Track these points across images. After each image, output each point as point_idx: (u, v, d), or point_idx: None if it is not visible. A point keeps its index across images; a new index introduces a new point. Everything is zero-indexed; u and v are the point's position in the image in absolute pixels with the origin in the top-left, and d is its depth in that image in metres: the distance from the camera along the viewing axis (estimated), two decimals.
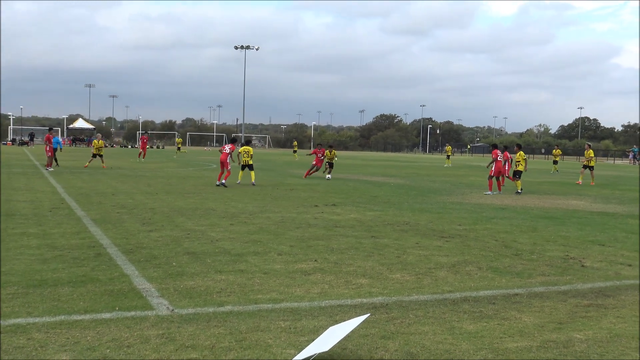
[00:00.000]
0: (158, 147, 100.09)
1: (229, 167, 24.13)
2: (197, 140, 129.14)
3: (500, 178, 24.45)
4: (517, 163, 25.00)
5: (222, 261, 9.47)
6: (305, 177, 30.36)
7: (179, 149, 70.47)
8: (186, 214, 14.97)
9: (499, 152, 24.11)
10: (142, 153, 45.83)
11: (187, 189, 22.27)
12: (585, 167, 32.75)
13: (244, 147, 25.60)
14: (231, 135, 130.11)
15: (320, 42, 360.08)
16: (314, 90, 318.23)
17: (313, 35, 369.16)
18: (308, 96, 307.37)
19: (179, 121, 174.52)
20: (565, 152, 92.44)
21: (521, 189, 24.26)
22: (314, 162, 31.19)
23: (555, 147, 53.89)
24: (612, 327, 6.70)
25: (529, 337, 6.27)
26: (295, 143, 75.59)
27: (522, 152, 25.33)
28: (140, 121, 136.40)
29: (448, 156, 60.03)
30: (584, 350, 5.89)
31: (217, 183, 23.88)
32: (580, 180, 32.12)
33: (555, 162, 47.97)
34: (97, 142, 34.48)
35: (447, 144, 68.58)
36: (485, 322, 6.75)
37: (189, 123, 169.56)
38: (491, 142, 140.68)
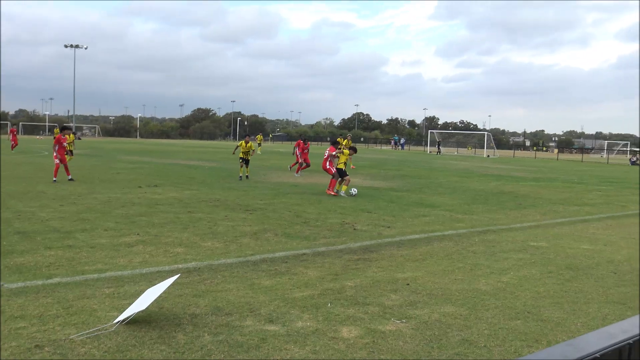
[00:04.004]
0: None
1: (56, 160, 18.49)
2: (30, 130, 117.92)
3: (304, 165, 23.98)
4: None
5: (52, 238, 8.80)
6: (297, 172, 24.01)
7: (259, 145, 55.21)
8: (17, 196, 13.66)
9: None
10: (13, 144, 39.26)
11: (19, 174, 20.28)
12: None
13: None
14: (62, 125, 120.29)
15: (147, 44, 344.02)
16: (140, 86, 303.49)
17: (141, 39, 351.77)
18: (135, 91, 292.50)
19: (11, 112, 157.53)
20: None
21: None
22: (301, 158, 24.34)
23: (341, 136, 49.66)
24: (374, 275, 7.20)
25: (312, 287, 6.56)
26: (260, 136, 59.93)
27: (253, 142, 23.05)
28: None
29: (259, 144, 54.64)
30: (353, 295, 6.29)
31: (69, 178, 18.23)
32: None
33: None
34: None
35: (259, 133, 66.56)
36: (279, 277, 6.95)
37: (21, 114, 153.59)
38: (289, 132, 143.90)
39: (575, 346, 0.76)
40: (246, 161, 21.09)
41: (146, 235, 9.35)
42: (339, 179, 16.47)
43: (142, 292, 5.95)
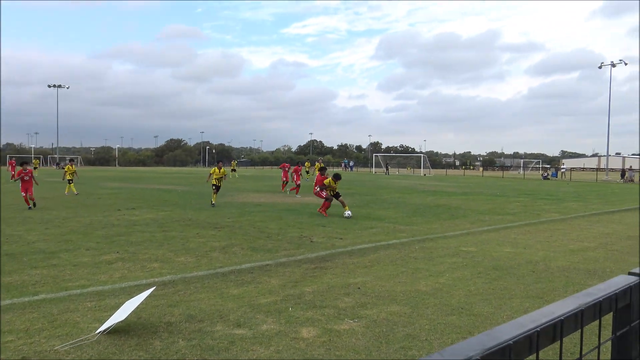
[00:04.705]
0: None
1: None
2: (17, 161, 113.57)
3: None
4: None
5: (37, 259, 8.44)
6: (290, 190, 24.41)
7: (234, 170, 52.83)
8: (6, 221, 13.10)
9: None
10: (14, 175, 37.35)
11: (6, 201, 19.47)
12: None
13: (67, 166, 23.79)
14: (47, 156, 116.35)
15: (125, 83, 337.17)
16: (118, 120, 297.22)
17: (119, 78, 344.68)
18: (114, 124, 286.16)
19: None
20: (302, 164, 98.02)
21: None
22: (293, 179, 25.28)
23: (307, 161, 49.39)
24: (329, 281, 7.17)
25: (275, 293, 6.49)
26: (234, 162, 58.66)
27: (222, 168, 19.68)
28: None
29: (233, 169, 53.33)
30: (311, 299, 6.25)
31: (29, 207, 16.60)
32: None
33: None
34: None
35: (233, 160, 66.84)
36: (245, 286, 6.85)
37: (9, 147, 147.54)
38: (252, 158, 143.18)
39: (492, 336, 0.78)
40: (218, 188, 18.67)
41: (125, 253, 9.09)
42: (336, 201, 15.73)
43: (122, 304, 5.77)
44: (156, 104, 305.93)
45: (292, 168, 26.54)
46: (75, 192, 23.07)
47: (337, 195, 15.89)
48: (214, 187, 18.70)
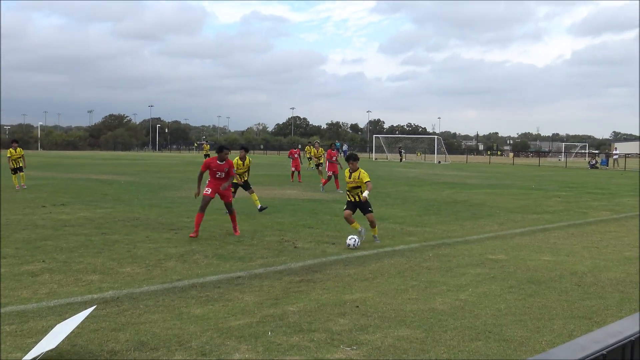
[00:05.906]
0: None
1: None
2: None
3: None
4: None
5: None
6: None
7: (207, 155, 52.77)
8: None
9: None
10: None
11: None
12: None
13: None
14: None
15: (49, 42, 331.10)
16: (40, 90, 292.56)
17: (42, 36, 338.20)
18: (34, 96, 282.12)
19: None
20: (281, 148, 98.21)
21: None
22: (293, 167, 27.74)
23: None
24: (319, 298, 7.22)
25: (250, 314, 6.51)
26: (207, 146, 59.62)
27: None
28: None
29: (207, 155, 54.16)
30: (296, 321, 6.28)
31: None
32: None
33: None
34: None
35: (204, 143, 67.16)
36: (211, 305, 6.87)
37: None
38: (217, 140, 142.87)
39: (581, 345, 0.79)
40: (245, 186, 16.12)
41: (53, 261, 9.05)
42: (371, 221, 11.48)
43: (51, 328, 5.76)
44: (90, 69, 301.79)
45: (325, 153, 26.25)
46: (17, 185, 22.13)
47: (365, 208, 11.41)
48: (249, 188, 16.15)
